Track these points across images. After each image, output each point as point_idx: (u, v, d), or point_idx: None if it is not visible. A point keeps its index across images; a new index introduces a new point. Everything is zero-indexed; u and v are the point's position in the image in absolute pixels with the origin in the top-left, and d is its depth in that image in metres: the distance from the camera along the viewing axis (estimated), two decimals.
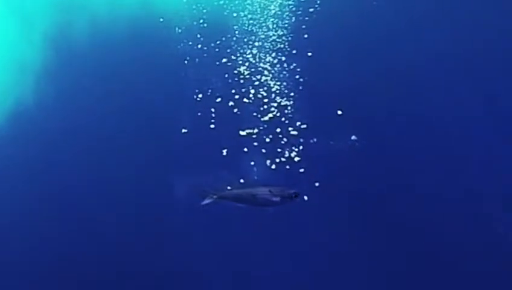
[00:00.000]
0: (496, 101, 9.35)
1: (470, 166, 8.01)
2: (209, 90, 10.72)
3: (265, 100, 10.13)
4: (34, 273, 7.25)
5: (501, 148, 8.27)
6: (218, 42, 13.06)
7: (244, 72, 11.36)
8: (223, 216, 7.46)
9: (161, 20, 14.44)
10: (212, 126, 9.57)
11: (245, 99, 10.23)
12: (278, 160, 8.37)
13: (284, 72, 11.14)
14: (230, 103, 10.18)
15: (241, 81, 11.01)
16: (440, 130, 8.83)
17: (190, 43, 13.26)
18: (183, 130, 9.47)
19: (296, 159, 8.37)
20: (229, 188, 7.17)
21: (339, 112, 9.24)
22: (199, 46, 13.06)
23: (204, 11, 15.42)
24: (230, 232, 7.38)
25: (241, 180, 7.96)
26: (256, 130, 9.20)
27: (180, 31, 13.89)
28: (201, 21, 14.58)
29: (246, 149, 8.74)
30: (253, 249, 7.15)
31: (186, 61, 12.22)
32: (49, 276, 7.14)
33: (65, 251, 7.49)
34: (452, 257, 6.59)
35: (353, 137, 8.63)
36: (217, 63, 11.98)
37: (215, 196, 6.86)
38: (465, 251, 6.67)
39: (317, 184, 7.71)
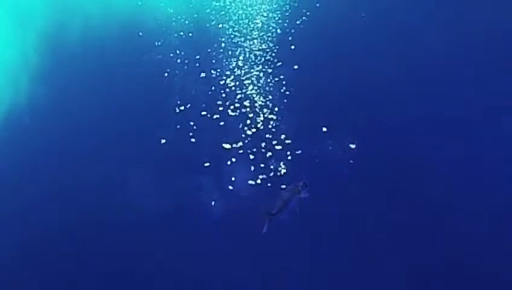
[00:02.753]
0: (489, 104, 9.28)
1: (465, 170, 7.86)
2: (192, 103, 10.50)
3: (250, 114, 9.90)
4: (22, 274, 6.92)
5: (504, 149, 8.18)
6: (204, 53, 12.88)
7: (229, 84, 11.14)
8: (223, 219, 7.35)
9: (140, 34, 14.41)
10: (193, 140, 9.29)
11: (230, 112, 9.99)
12: (261, 176, 8.10)
13: (270, 84, 10.95)
14: (215, 116, 9.93)
15: (224, 95, 10.78)
16: (428, 139, 8.71)
17: (176, 52, 13.08)
18: (162, 141, 9.28)
19: (282, 172, 8.12)
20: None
21: (324, 129, 9.08)
22: (186, 55, 12.88)
23: (186, 22, 15.34)
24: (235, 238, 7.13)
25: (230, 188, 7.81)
26: (240, 144, 8.93)
27: (160, 43, 13.79)
28: (181, 33, 14.43)
29: (229, 163, 8.45)
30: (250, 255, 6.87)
31: (176, 71, 12.02)
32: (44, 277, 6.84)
33: (64, 251, 7.21)
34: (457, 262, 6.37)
35: (352, 146, 8.53)
36: (202, 74, 11.76)
37: (271, 215, 7.01)
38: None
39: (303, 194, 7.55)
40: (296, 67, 11.65)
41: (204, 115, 9.99)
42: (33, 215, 7.90)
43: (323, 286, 6.24)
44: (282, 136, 9.04)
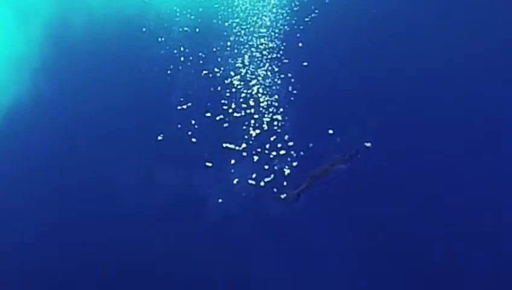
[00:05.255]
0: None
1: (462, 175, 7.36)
2: (195, 101, 10.07)
3: (256, 115, 9.37)
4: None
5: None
6: (209, 49, 12.44)
7: (235, 82, 10.64)
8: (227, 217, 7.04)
9: (144, 30, 14.11)
10: (194, 139, 8.82)
11: (235, 113, 9.47)
12: (267, 179, 7.56)
13: (277, 82, 10.44)
14: (219, 117, 9.43)
15: (228, 94, 10.30)
16: (438, 137, 8.29)
17: (180, 48, 12.67)
18: (159, 137, 8.91)
19: (286, 173, 7.59)
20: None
21: (330, 131, 8.68)
22: (190, 51, 12.48)
23: (192, 17, 14.92)
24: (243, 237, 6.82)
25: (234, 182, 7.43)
26: (244, 145, 8.40)
27: (163, 39, 13.42)
28: (186, 28, 14.04)
29: (232, 162, 7.93)
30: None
31: (177, 68, 11.62)
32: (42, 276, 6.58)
33: (62, 248, 6.98)
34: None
35: (368, 144, 8.25)
36: (206, 72, 11.28)
37: (295, 192, 7.25)
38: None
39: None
40: (305, 64, 11.11)
41: (207, 114, 9.53)
42: (36, 206, 7.72)
43: (324, 286, 5.94)
44: (289, 135, 8.54)
